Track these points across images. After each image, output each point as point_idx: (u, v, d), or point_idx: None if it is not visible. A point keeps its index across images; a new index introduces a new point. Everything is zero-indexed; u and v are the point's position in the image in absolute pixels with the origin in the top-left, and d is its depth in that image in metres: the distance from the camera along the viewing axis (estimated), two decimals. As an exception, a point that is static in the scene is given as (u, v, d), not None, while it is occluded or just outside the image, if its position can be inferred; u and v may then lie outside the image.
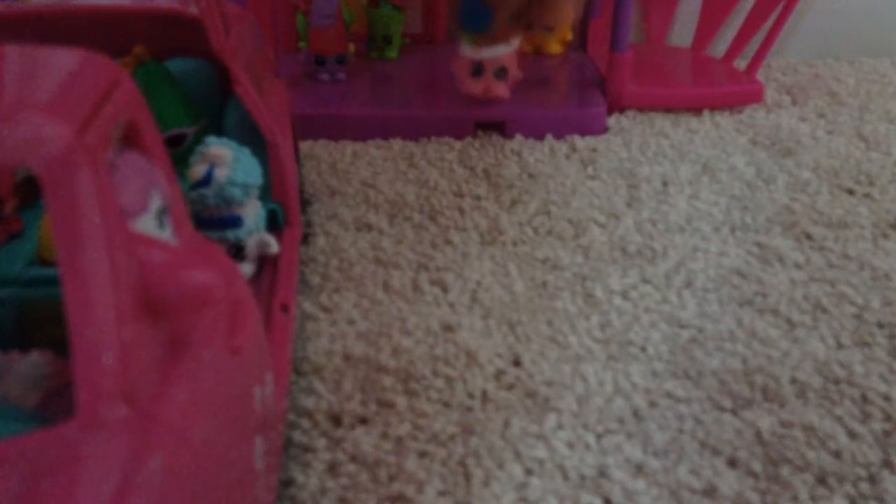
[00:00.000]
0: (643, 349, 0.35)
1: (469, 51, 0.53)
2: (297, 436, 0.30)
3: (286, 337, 0.31)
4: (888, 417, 0.31)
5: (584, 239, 0.44)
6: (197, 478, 0.16)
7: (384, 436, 0.30)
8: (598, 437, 0.30)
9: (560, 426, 0.31)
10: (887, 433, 0.30)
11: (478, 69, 0.54)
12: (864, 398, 0.32)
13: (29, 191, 0.33)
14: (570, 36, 0.72)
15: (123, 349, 0.14)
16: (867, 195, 0.49)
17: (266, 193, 0.37)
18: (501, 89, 0.55)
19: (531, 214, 0.46)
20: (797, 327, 0.36)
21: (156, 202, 0.16)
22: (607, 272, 0.41)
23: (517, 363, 0.34)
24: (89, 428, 0.14)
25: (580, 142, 0.56)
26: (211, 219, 0.34)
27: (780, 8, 0.64)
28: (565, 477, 0.29)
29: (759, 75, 0.67)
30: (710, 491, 0.28)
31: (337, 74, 0.64)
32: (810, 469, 0.29)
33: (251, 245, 0.35)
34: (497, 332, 0.36)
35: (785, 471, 0.29)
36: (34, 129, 0.13)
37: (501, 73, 0.53)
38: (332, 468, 0.29)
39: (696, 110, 0.62)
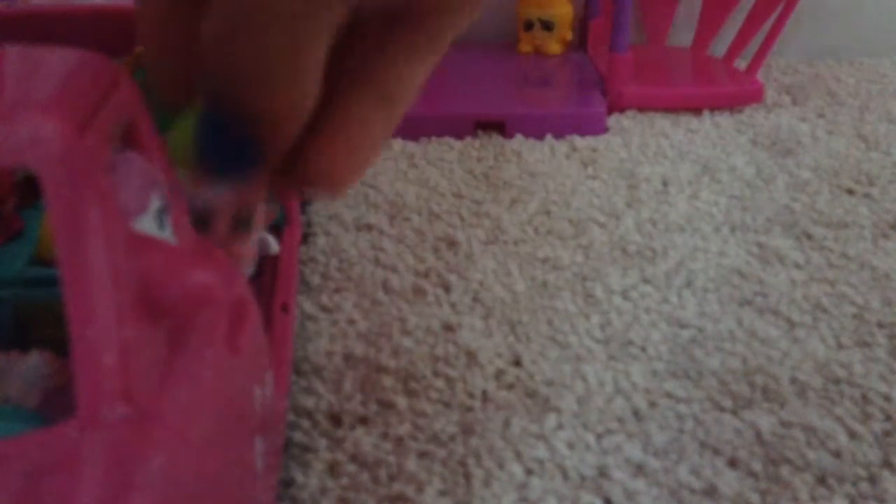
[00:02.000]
0: (643, 349, 0.35)
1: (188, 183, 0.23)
2: (297, 436, 0.30)
3: (286, 337, 0.31)
4: (888, 417, 0.31)
5: (584, 239, 0.44)
6: (197, 478, 0.16)
7: (384, 436, 0.30)
8: (599, 437, 0.30)
9: (560, 426, 0.31)
10: (887, 433, 0.30)
11: (201, 219, 0.25)
12: (864, 398, 0.32)
13: (29, 190, 0.33)
14: (569, 36, 0.71)
15: (124, 349, 0.14)
16: (867, 195, 0.49)
17: (266, 193, 0.37)
18: (244, 247, 0.29)
19: (531, 214, 0.46)
20: (797, 327, 0.36)
21: (155, 202, 0.16)
22: (607, 272, 0.41)
23: (517, 363, 0.34)
24: (90, 427, 0.14)
25: (580, 142, 0.56)
26: (211, 219, 0.34)
27: (780, 8, 0.64)
28: (565, 477, 0.29)
29: (759, 75, 0.67)
30: (710, 491, 0.28)
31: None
32: (810, 469, 0.29)
33: (252, 245, 0.35)
34: (497, 332, 0.36)
35: (785, 471, 0.29)
36: (33, 129, 0.13)
37: (244, 223, 0.26)
38: (333, 468, 0.29)
39: (696, 110, 0.62)
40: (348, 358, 0.34)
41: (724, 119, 0.61)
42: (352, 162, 0.19)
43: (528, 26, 0.70)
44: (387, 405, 0.32)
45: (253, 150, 0.17)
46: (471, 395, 0.32)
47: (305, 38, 0.16)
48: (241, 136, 0.17)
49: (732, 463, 0.29)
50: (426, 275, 0.40)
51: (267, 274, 0.35)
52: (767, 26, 0.65)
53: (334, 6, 0.16)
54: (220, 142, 0.17)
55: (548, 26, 0.69)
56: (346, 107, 0.18)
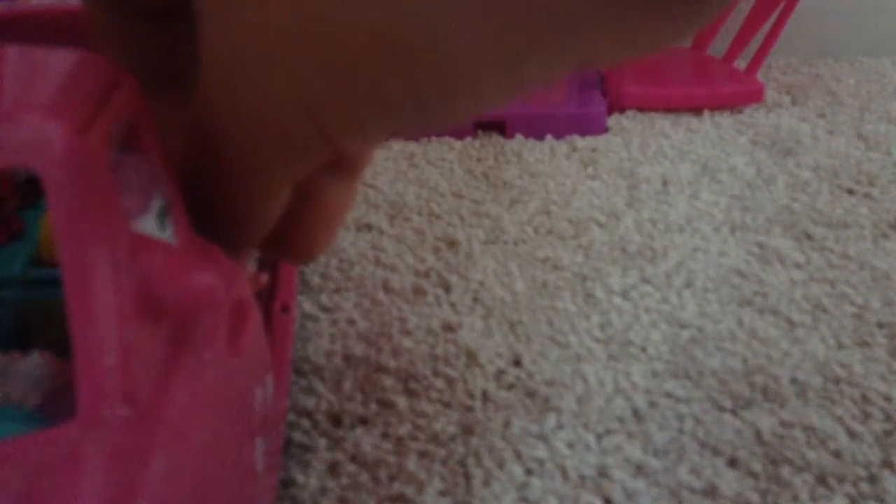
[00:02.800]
0: (643, 349, 0.35)
1: None
2: (297, 436, 0.30)
3: (286, 337, 0.31)
4: (888, 417, 0.31)
5: (584, 239, 0.44)
6: (198, 478, 0.16)
7: (384, 436, 0.30)
8: (599, 437, 0.30)
9: (560, 426, 0.31)
10: (887, 433, 0.31)
11: None
12: (864, 398, 0.32)
13: (29, 191, 0.33)
14: None
15: (125, 350, 0.14)
16: (867, 195, 0.49)
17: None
18: None
19: (531, 214, 0.46)
20: (797, 327, 0.37)
21: (157, 203, 0.16)
22: (607, 272, 0.41)
23: (517, 363, 0.34)
24: (90, 428, 0.14)
25: (580, 142, 0.56)
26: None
27: (780, 8, 0.64)
28: (565, 477, 0.29)
29: (759, 75, 0.67)
30: (710, 491, 0.28)
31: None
32: (810, 469, 0.29)
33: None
34: (497, 332, 0.36)
35: (785, 471, 0.29)
36: (34, 130, 0.13)
37: None
38: (333, 468, 0.29)
39: (696, 110, 0.62)
40: (348, 358, 0.34)
41: (724, 119, 0.61)
42: (324, 233, 0.20)
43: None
44: (387, 405, 0.32)
45: None
46: (471, 395, 0.32)
47: (280, 183, 0.16)
48: None
49: (732, 463, 0.29)
50: (426, 275, 0.40)
51: (267, 274, 0.35)
52: (767, 26, 0.65)
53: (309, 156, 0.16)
54: None
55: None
56: (314, 189, 0.19)
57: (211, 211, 0.17)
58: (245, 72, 0.14)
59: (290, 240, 0.19)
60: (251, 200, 0.17)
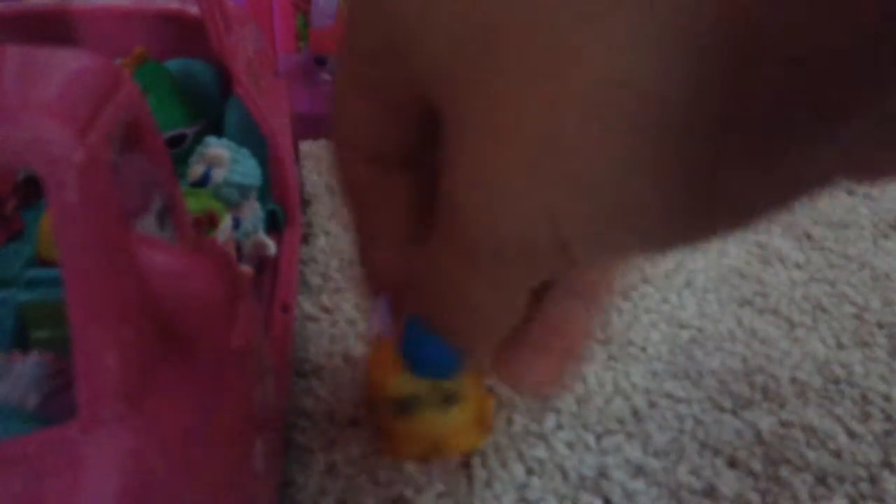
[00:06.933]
0: (643, 349, 0.35)
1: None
2: (297, 437, 0.30)
3: (286, 337, 0.31)
4: (888, 417, 0.31)
5: (583, 239, 0.44)
6: (197, 479, 0.16)
7: (384, 436, 0.30)
8: (598, 437, 0.30)
9: (560, 426, 0.31)
10: (887, 433, 0.31)
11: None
12: (864, 398, 0.32)
13: (29, 191, 0.33)
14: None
15: (124, 350, 0.14)
16: (867, 195, 0.49)
17: (266, 194, 0.37)
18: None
19: (531, 214, 0.46)
20: (797, 327, 0.37)
21: (157, 203, 0.16)
22: (607, 272, 0.40)
23: (517, 363, 0.34)
24: (90, 429, 0.14)
25: (580, 142, 0.56)
26: (210, 219, 0.34)
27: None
28: (565, 477, 0.29)
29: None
30: (710, 491, 0.28)
31: (337, 74, 0.63)
32: (810, 469, 0.29)
33: (248, 247, 0.35)
34: (497, 333, 0.36)
35: (785, 471, 0.29)
36: (35, 130, 0.13)
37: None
38: (332, 469, 0.29)
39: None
40: (348, 359, 0.34)
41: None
42: (549, 369, 0.19)
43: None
44: (387, 405, 0.32)
45: (454, 359, 0.17)
46: (471, 396, 0.32)
47: (517, 290, 0.16)
48: (443, 347, 0.17)
49: (732, 463, 0.29)
50: (426, 275, 0.40)
51: (267, 274, 0.35)
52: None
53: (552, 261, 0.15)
54: (423, 347, 0.17)
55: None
56: (549, 308, 0.18)
57: (448, 309, 0.17)
58: (500, 184, 0.14)
59: (523, 362, 0.19)
60: (487, 300, 0.16)
